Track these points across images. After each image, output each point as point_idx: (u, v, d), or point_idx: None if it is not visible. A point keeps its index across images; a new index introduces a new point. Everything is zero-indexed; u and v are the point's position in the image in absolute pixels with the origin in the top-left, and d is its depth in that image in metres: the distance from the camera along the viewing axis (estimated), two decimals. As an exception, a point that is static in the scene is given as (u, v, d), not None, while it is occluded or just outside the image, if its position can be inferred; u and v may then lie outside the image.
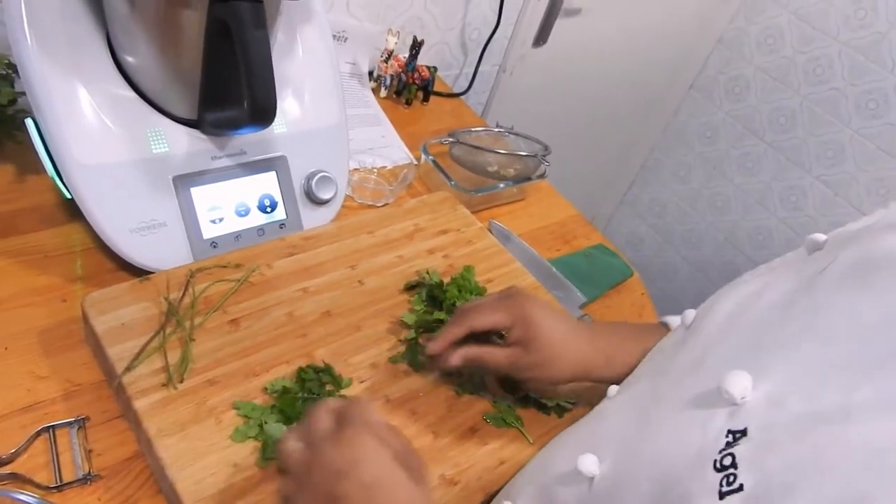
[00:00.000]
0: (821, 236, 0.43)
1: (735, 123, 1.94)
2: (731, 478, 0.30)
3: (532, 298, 0.60)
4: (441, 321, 0.69)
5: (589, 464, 0.40)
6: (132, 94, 0.66)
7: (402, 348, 0.67)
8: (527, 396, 0.66)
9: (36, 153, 0.64)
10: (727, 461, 0.31)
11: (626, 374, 0.56)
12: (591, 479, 0.40)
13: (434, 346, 0.60)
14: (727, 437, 0.32)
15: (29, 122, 0.63)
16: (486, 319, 0.59)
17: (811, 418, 0.30)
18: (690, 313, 0.48)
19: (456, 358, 0.59)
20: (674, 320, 0.60)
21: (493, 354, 0.59)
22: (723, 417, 0.33)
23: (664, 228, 2.22)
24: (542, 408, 0.66)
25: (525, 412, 0.66)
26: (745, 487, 0.29)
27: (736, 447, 0.31)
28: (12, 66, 0.71)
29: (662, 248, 2.24)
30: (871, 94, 1.65)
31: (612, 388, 0.53)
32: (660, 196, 2.20)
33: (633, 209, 2.30)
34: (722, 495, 0.29)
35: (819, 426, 0.29)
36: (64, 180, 0.64)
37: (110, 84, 0.65)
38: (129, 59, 0.65)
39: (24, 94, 0.63)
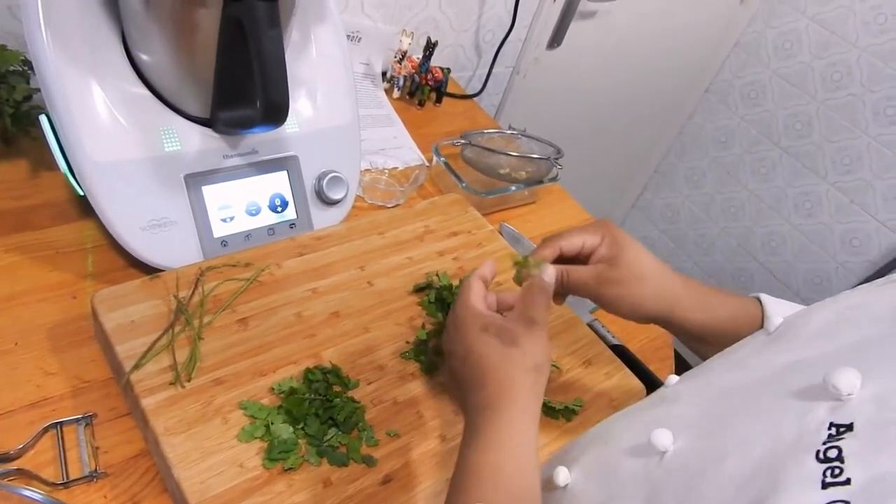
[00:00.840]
0: None
1: (750, 128, 1.92)
2: (837, 470, 0.30)
3: (619, 229, 0.60)
4: None
5: (663, 438, 0.40)
6: (146, 91, 0.67)
7: (412, 348, 0.67)
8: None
9: (50, 149, 0.64)
10: (832, 454, 0.30)
11: (710, 328, 0.57)
12: (664, 453, 0.40)
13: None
14: (830, 429, 0.32)
15: (43, 119, 0.64)
16: (574, 238, 0.58)
17: None
18: (776, 320, 0.48)
19: (548, 274, 0.56)
20: (765, 296, 0.59)
21: (579, 270, 0.57)
22: (825, 410, 0.33)
23: (677, 234, 2.21)
24: (551, 412, 0.66)
25: (533, 418, 0.65)
26: (852, 482, 0.29)
27: (841, 441, 0.31)
28: (28, 63, 0.71)
29: (675, 253, 2.22)
30: (889, 100, 1.63)
31: (672, 378, 0.53)
32: (673, 201, 2.19)
33: (645, 214, 2.28)
34: (825, 485, 0.29)
35: None
36: (77, 177, 0.64)
37: (124, 82, 0.65)
38: (144, 58, 0.65)
39: (38, 90, 0.63)
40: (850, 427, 0.31)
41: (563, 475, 0.48)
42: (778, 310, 0.57)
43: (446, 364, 0.54)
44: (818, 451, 0.31)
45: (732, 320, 0.57)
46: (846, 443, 0.31)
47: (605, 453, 0.48)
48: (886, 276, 0.46)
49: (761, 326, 0.53)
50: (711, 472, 0.36)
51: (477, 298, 0.53)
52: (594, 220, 0.61)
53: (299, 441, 0.56)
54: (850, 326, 0.41)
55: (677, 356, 0.89)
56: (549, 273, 0.55)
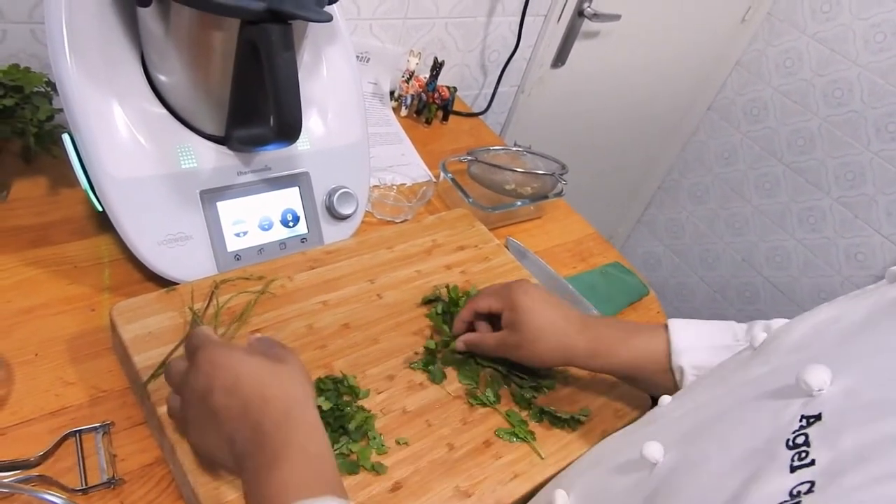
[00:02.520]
0: None
1: (753, 145, 1.94)
2: (804, 454, 0.32)
3: (527, 287, 0.66)
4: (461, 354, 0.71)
5: (654, 451, 0.42)
6: (164, 111, 0.69)
7: (421, 358, 0.69)
8: (541, 410, 0.67)
9: (70, 167, 0.67)
10: (800, 440, 0.32)
11: (610, 371, 0.65)
12: (654, 465, 0.42)
13: (455, 333, 0.71)
14: (801, 421, 0.34)
15: (66, 137, 0.66)
16: (482, 303, 0.68)
17: (885, 405, 0.32)
18: (759, 336, 0.50)
19: (459, 343, 0.69)
20: (675, 323, 0.64)
21: (485, 338, 0.68)
22: (798, 405, 0.35)
23: (681, 249, 2.22)
24: (557, 421, 0.67)
25: (538, 427, 0.66)
26: (816, 462, 0.31)
27: (809, 429, 0.33)
28: (51, 84, 0.74)
29: (679, 268, 2.23)
30: (891, 116, 1.65)
31: (665, 398, 0.55)
32: (677, 217, 2.20)
33: (650, 229, 2.30)
34: (793, 469, 0.31)
35: (891, 414, 0.31)
36: (97, 193, 0.66)
37: (143, 102, 0.68)
38: (162, 79, 0.68)
39: (61, 110, 0.66)
40: (818, 417, 0.33)
41: (561, 499, 0.49)
42: (684, 335, 0.63)
43: (195, 414, 0.47)
44: (788, 440, 0.33)
45: (633, 360, 0.63)
46: (813, 430, 0.33)
47: (599, 474, 0.49)
48: (862, 289, 0.48)
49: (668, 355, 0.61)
50: (696, 472, 0.38)
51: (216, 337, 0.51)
52: (504, 283, 0.68)
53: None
54: (825, 335, 0.43)
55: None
56: (458, 345, 0.69)
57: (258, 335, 0.53)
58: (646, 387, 0.68)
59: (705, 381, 0.53)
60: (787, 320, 0.58)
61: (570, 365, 0.66)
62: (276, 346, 0.50)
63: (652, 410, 0.55)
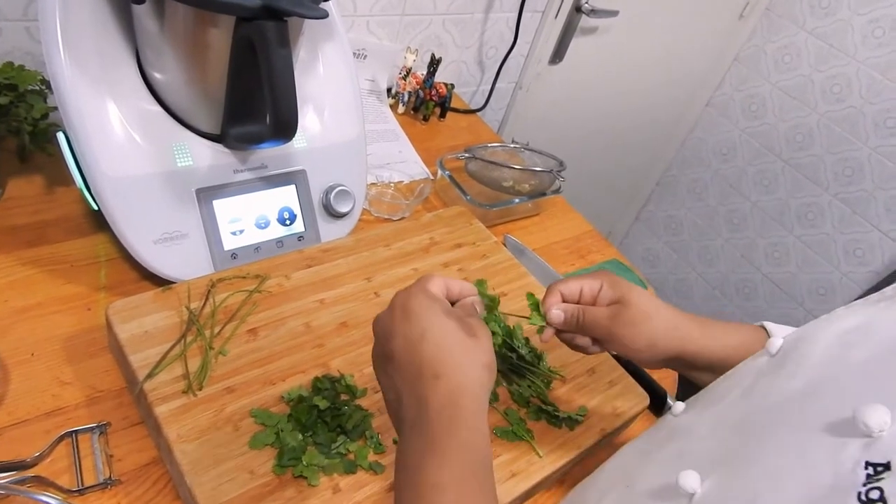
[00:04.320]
0: None
1: (752, 141, 1.94)
2: None
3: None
4: None
5: (691, 480, 0.39)
6: (159, 109, 0.69)
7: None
8: (539, 409, 0.67)
9: (66, 165, 0.66)
10: (874, 495, 0.30)
11: (721, 357, 0.56)
12: (692, 495, 0.39)
13: (546, 333, 0.60)
14: (867, 469, 0.31)
15: (60, 136, 0.66)
16: (572, 283, 0.59)
17: None
18: (776, 342, 0.47)
19: (556, 314, 0.58)
20: (772, 327, 0.60)
21: (593, 310, 0.58)
22: (857, 448, 0.33)
23: (680, 245, 2.22)
24: (554, 420, 0.67)
25: (536, 425, 0.66)
26: None
27: (881, 481, 0.30)
28: (46, 83, 0.74)
29: (678, 264, 2.23)
30: (889, 112, 1.64)
31: (679, 405, 0.53)
32: (676, 213, 2.20)
33: (648, 226, 2.29)
34: None
35: None
36: (92, 192, 0.66)
37: (138, 100, 0.67)
38: (157, 76, 0.67)
39: (56, 108, 0.65)
40: (887, 466, 0.31)
41: None
42: (782, 334, 0.57)
43: (379, 352, 0.47)
44: (859, 493, 0.30)
45: (743, 347, 0.57)
46: (887, 483, 0.30)
47: (628, 497, 0.47)
48: (880, 292, 0.46)
49: None
50: None
51: (438, 290, 0.49)
52: (592, 272, 0.62)
53: (308, 448, 0.57)
54: (856, 350, 0.40)
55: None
56: (554, 314, 0.58)
57: (474, 298, 0.50)
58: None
59: (722, 387, 0.51)
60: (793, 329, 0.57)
61: (679, 349, 0.57)
62: (474, 315, 0.48)
63: (666, 420, 0.53)
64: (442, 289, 0.49)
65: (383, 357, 0.46)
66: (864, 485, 0.31)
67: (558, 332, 0.60)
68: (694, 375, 0.60)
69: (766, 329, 0.60)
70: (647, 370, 0.79)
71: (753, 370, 0.49)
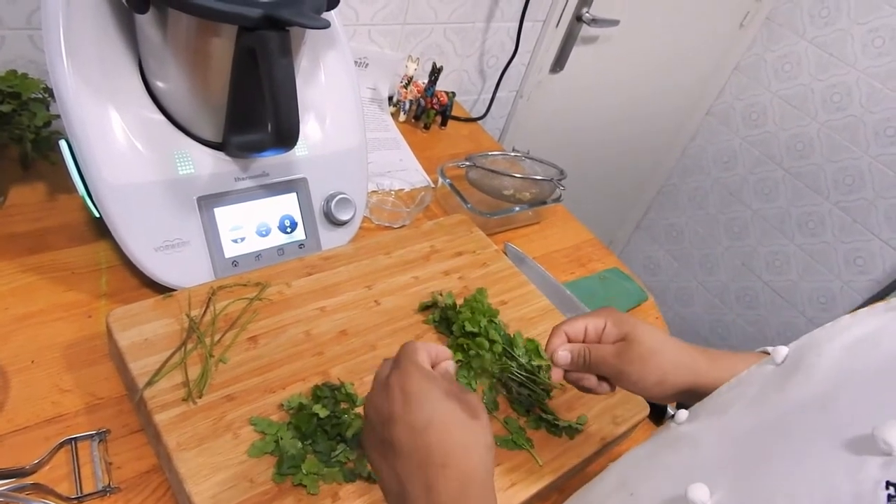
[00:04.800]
0: None
1: (752, 149, 1.94)
2: None
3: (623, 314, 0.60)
4: (459, 361, 0.70)
5: (701, 494, 0.39)
6: (161, 117, 0.69)
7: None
8: (539, 418, 0.67)
9: (68, 173, 0.66)
10: None
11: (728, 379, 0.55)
12: None
13: (554, 374, 0.59)
14: (888, 489, 0.31)
15: (63, 144, 0.66)
16: (577, 323, 0.58)
17: None
18: (781, 350, 0.47)
19: (563, 355, 0.58)
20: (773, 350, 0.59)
21: (600, 348, 0.57)
22: (876, 467, 0.32)
23: (680, 254, 2.22)
24: (554, 429, 0.66)
25: (536, 434, 0.66)
26: None
27: None
28: (49, 91, 0.74)
29: (679, 273, 2.23)
30: (889, 121, 1.65)
31: (682, 414, 0.52)
32: (676, 221, 2.20)
33: (649, 234, 2.30)
34: None
35: None
36: (93, 199, 0.66)
37: (141, 108, 0.68)
38: (160, 85, 0.68)
39: (58, 116, 0.66)
40: None
41: None
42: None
43: (376, 437, 0.44)
44: None
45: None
46: None
47: None
48: (886, 302, 0.45)
49: None
50: None
51: (426, 363, 0.47)
52: (595, 310, 0.61)
53: (308, 456, 0.57)
54: (866, 362, 0.40)
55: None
56: (560, 356, 0.57)
57: (449, 362, 0.49)
58: None
59: (726, 398, 0.51)
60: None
61: (691, 383, 0.56)
62: (468, 392, 0.46)
63: (670, 429, 0.52)
64: (427, 359, 0.48)
65: (382, 443, 0.43)
66: None
67: (566, 372, 0.59)
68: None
69: (769, 353, 0.59)
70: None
71: (759, 379, 0.48)
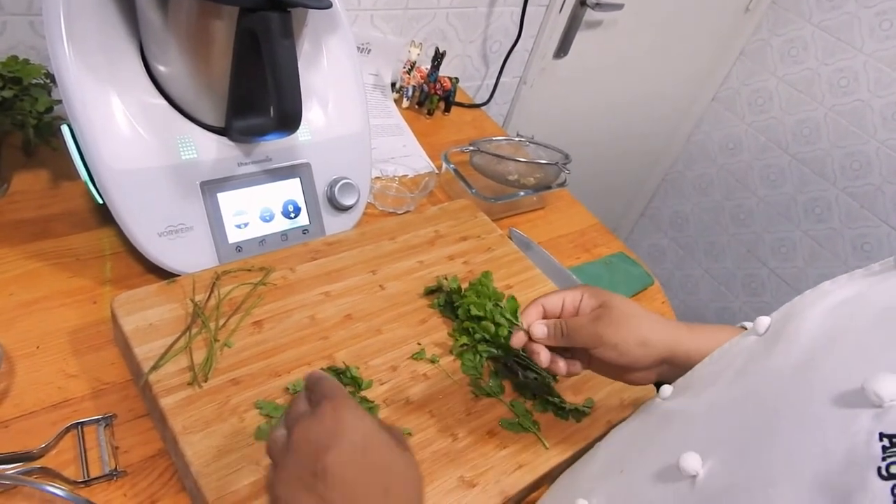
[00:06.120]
0: None
1: (758, 135, 1.93)
2: None
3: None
4: (465, 344, 0.70)
5: (693, 462, 0.39)
6: (163, 102, 0.69)
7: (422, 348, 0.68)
8: (546, 401, 0.67)
9: (70, 159, 0.66)
10: (895, 469, 0.29)
11: (709, 352, 0.54)
12: (694, 477, 0.39)
13: (515, 337, 0.58)
14: (882, 440, 0.31)
15: (65, 129, 0.66)
16: (554, 296, 0.58)
17: None
18: (763, 320, 0.47)
19: (539, 326, 0.57)
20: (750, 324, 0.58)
21: (576, 318, 0.57)
22: (869, 419, 0.32)
23: (686, 241, 2.21)
24: (561, 412, 0.66)
25: (542, 417, 0.66)
26: None
27: None
28: (50, 76, 0.74)
29: (684, 260, 2.22)
30: (897, 105, 1.63)
31: (666, 389, 0.52)
32: (681, 208, 2.19)
33: (654, 222, 2.29)
34: None
35: None
36: (96, 185, 0.66)
37: (142, 93, 0.67)
38: (161, 69, 0.67)
39: (60, 102, 0.65)
40: None
41: None
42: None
43: (298, 471, 0.39)
44: (879, 469, 0.30)
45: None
46: None
47: (626, 482, 0.46)
48: (866, 268, 0.46)
49: None
50: (761, 496, 0.34)
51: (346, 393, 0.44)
52: (572, 286, 0.60)
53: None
54: (851, 321, 0.40)
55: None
56: (537, 329, 0.56)
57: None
58: None
59: (709, 370, 0.51)
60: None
61: (672, 349, 0.55)
62: (392, 426, 0.44)
63: (656, 405, 0.53)
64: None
65: (312, 475, 0.38)
66: (883, 459, 0.30)
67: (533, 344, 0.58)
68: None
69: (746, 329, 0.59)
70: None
71: (743, 351, 0.48)
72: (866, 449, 0.31)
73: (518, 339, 0.58)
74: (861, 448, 0.31)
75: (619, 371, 0.58)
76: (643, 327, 0.55)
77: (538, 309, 0.58)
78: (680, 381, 0.54)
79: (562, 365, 0.57)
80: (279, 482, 0.39)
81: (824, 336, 0.41)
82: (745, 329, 0.58)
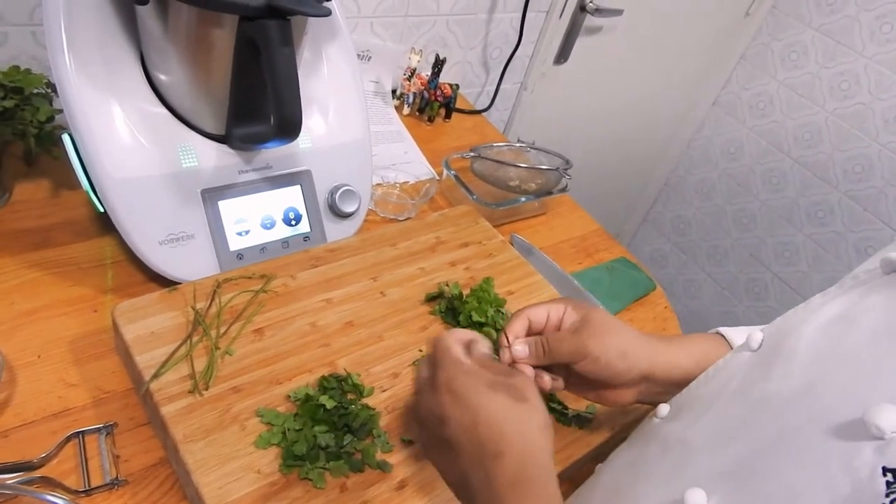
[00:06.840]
0: None
1: (759, 139, 1.92)
2: None
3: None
4: None
5: (698, 499, 0.39)
6: (164, 110, 0.69)
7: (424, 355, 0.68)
8: (548, 407, 0.66)
9: (71, 168, 0.66)
10: None
11: (693, 369, 0.54)
12: None
13: (503, 354, 0.57)
14: (885, 475, 0.30)
15: (66, 138, 0.66)
16: (539, 308, 0.57)
17: None
18: (756, 335, 0.47)
19: (520, 346, 0.55)
20: (729, 332, 0.58)
21: (557, 334, 0.56)
22: (871, 452, 0.32)
23: (688, 245, 2.20)
24: (563, 418, 0.66)
25: (546, 424, 0.65)
26: None
27: None
28: (51, 85, 0.74)
29: (686, 265, 2.22)
30: (899, 108, 1.63)
31: (663, 408, 0.51)
32: (684, 213, 2.19)
33: (656, 227, 2.28)
34: None
35: None
36: (97, 194, 0.66)
37: (143, 101, 0.68)
38: (162, 78, 0.67)
39: (61, 111, 0.66)
40: None
41: None
42: (738, 338, 0.57)
43: (425, 435, 0.47)
44: None
45: (705, 353, 0.56)
46: None
47: None
48: (852, 276, 0.45)
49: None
50: None
51: (463, 355, 0.48)
52: (556, 298, 0.60)
53: (312, 451, 0.57)
54: (843, 343, 0.40)
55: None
56: (518, 351, 0.55)
57: (481, 343, 0.50)
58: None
59: (707, 390, 0.50)
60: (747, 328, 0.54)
61: (650, 364, 0.55)
62: (516, 375, 0.47)
63: (654, 427, 0.52)
64: (462, 351, 0.49)
65: (439, 442, 0.45)
66: (887, 495, 0.29)
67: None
68: (665, 399, 0.57)
69: (722, 335, 0.59)
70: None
71: (739, 369, 0.47)
72: (871, 485, 0.30)
73: (504, 358, 0.57)
74: (865, 484, 0.31)
75: (598, 387, 0.56)
76: (623, 339, 0.55)
77: (524, 322, 0.57)
78: (676, 399, 0.53)
79: (547, 380, 0.56)
80: (423, 438, 0.47)
81: (820, 359, 0.40)
82: (721, 335, 0.58)
